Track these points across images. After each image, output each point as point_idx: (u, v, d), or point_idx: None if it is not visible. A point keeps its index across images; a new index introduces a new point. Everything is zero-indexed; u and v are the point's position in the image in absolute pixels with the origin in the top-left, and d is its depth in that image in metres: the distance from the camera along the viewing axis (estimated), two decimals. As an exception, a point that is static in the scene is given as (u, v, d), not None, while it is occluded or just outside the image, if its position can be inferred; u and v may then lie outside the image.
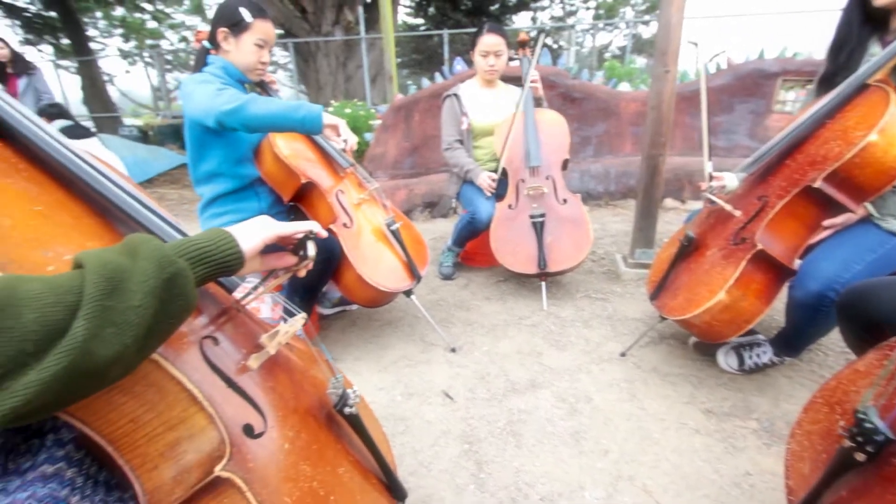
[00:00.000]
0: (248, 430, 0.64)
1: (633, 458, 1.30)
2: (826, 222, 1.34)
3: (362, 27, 6.83)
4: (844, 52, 1.41)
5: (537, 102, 2.27)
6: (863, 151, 1.20)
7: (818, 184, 1.28)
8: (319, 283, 1.62)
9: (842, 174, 1.25)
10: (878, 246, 1.28)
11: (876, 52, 1.34)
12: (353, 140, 1.49)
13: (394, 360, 1.77)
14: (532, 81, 2.21)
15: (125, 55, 12.57)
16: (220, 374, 0.65)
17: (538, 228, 2.08)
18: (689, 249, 1.60)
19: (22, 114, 0.61)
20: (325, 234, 0.77)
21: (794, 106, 3.53)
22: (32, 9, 10.20)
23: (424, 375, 1.67)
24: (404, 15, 12.18)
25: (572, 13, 13.55)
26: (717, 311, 1.38)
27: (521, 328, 1.97)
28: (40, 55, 10.95)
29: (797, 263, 1.36)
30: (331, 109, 4.72)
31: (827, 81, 1.44)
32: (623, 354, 1.75)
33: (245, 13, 1.43)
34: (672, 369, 1.67)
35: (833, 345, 1.75)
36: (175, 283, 0.53)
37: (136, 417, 0.58)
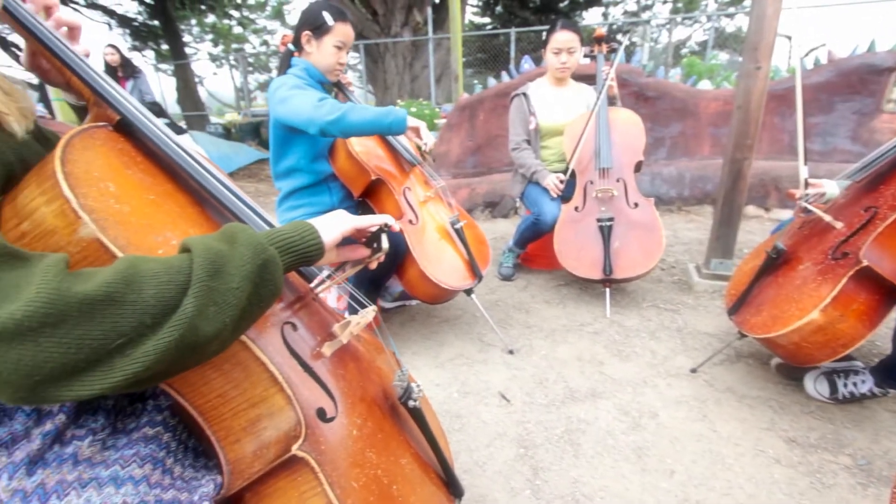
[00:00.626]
0: (321, 414, 0.67)
1: (701, 483, 1.21)
2: (951, 239, 1.17)
3: (430, 27, 6.93)
4: None
5: (611, 101, 2.18)
6: None
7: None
8: (384, 276, 1.67)
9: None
10: None
11: None
12: (431, 141, 1.54)
13: (451, 357, 1.78)
14: (606, 79, 2.13)
15: (213, 58, 13.71)
16: (297, 359, 0.69)
17: (605, 233, 2.00)
18: (777, 262, 1.47)
19: (140, 112, 0.68)
20: (398, 227, 0.79)
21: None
22: (140, 18, 11.39)
23: (481, 375, 1.67)
24: (471, 14, 12.21)
25: (647, 7, 12.88)
26: (809, 331, 1.25)
27: (582, 335, 1.91)
28: (144, 59, 12.22)
29: (912, 284, 1.20)
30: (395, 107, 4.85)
31: None
32: (694, 370, 1.64)
33: (327, 17, 1.51)
34: (750, 391, 1.53)
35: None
36: (267, 269, 0.57)
37: (224, 393, 0.63)
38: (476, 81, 3.96)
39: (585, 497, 1.18)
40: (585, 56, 2.29)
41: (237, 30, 14.14)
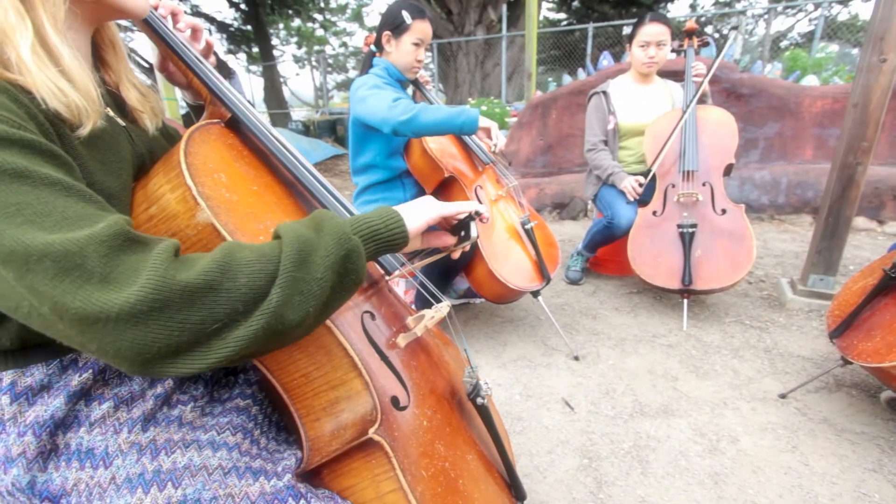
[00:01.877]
0: (395, 402, 0.69)
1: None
2: None
3: (504, 25, 6.87)
4: None
5: (701, 99, 2.03)
6: None
7: None
8: (453, 272, 1.69)
9: None
10: None
11: None
12: (502, 142, 1.54)
13: (514, 358, 1.76)
14: (696, 75, 1.99)
15: (297, 60, 14.61)
16: (375, 347, 0.72)
17: (686, 240, 1.87)
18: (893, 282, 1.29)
19: (248, 110, 0.74)
20: (489, 216, 0.75)
21: None
22: (235, 24, 12.43)
23: (544, 379, 1.64)
24: (546, 10, 11.94)
25: (743, -3, 11.81)
26: (935, 364, 1.09)
27: (655, 346, 1.80)
28: (237, 61, 13.32)
29: None
30: (467, 107, 4.87)
31: None
32: (783, 396, 1.49)
33: (406, 15, 1.55)
34: (852, 425, 1.36)
35: None
36: (350, 259, 0.57)
37: (308, 373, 0.66)
38: (550, 79, 3.87)
39: (640, 501, 1.12)
40: (673, 51, 2.15)
41: (319, 32, 14.95)
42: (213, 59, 0.84)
